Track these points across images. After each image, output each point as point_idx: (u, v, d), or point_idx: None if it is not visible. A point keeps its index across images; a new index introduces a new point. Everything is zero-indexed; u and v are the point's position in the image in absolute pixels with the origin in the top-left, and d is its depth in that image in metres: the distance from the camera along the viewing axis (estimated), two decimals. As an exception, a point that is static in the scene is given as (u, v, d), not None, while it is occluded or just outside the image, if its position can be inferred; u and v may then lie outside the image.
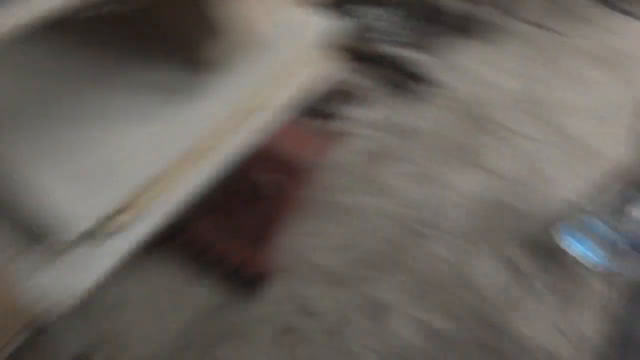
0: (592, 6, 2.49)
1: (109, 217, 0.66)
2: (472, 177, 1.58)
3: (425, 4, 2.03)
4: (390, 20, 1.87)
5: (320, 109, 1.42)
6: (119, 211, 0.68)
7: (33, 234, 0.64)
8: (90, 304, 0.97)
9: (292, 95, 1.01)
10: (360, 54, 1.80)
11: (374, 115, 1.69)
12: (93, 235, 0.66)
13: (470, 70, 1.98)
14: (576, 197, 1.25)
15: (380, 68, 1.82)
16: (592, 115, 1.90)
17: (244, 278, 1.01)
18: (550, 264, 1.40)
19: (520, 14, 2.33)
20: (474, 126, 1.75)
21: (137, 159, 0.70)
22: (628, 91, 2.05)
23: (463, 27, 2.12)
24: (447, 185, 1.54)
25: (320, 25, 1.05)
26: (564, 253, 1.40)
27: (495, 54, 2.09)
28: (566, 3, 2.49)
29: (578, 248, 1.38)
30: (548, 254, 1.41)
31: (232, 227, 1.02)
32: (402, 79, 1.81)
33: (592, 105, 1.95)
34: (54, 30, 0.76)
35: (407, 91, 1.79)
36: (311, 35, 1.03)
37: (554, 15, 2.38)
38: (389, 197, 1.46)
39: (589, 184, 1.18)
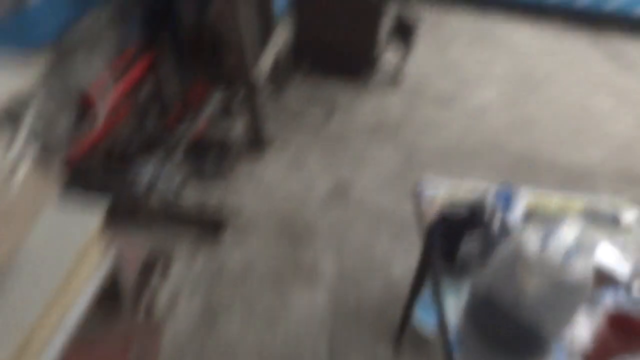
0: (349, 91, 2.83)
1: None
2: (315, 292, 1.54)
3: (196, 143, 2.00)
4: (168, 171, 1.79)
5: (127, 298, 1.24)
6: None
7: None
8: None
9: (80, 307, 0.88)
10: (150, 217, 1.67)
11: (191, 274, 1.56)
12: None
13: (269, 187, 2.02)
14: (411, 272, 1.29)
15: (176, 222, 1.71)
16: (385, 187, 2.08)
17: None
18: (415, 348, 1.39)
19: (293, 122, 2.52)
20: (295, 241, 1.75)
21: None
22: (402, 156, 2.32)
23: (247, 150, 2.17)
24: (292, 313, 1.47)
25: (88, 216, 0.94)
26: (420, 331, 1.42)
27: (284, 163, 2.16)
28: (328, 95, 2.78)
29: (429, 321, 1.41)
30: (409, 338, 1.40)
31: None
32: (205, 224, 1.72)
33: (383, 177, 2.14)
34: None
35: (214, 235, 1.71)
36: (81, 231, 0.92)
37: (322, 110, 2.64)
38: (236, 357, 1.31)
39: (415, 256, 1.23)
